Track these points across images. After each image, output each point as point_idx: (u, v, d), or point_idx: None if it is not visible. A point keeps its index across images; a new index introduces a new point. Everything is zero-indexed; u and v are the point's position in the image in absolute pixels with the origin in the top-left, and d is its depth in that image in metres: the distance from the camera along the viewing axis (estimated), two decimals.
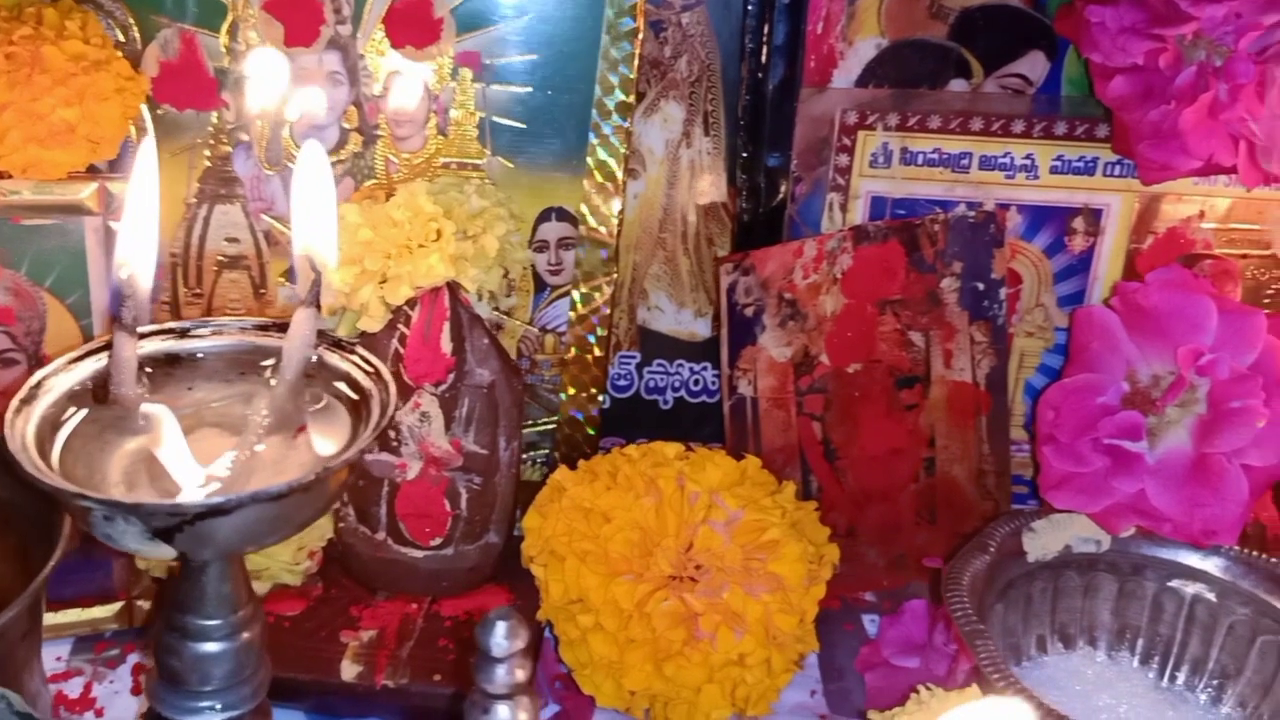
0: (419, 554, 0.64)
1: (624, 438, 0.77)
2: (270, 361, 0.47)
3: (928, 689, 0.54)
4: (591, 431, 0.76)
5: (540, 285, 0.72)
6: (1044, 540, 0.61)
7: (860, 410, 0.72)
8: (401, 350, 0.60)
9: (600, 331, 0.73)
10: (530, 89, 0.68)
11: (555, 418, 0.75)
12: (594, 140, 0.69)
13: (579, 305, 0.72)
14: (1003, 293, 0.69)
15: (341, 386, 0.46)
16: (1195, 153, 0.60)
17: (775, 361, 0.71)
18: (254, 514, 0.41)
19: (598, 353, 0.74)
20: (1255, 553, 0.59)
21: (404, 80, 0.66)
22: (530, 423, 0.74)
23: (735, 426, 0.73)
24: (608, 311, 0.72)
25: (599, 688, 0.60)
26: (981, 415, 0.72)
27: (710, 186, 0.73)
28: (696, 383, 0.78)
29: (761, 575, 0.61)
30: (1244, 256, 0.70)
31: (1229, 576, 0.59)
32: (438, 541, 0.63)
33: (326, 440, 0.45)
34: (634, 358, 0.78)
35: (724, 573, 0.60)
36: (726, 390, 0.72)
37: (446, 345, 0.60)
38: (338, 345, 0.47)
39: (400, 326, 0.60)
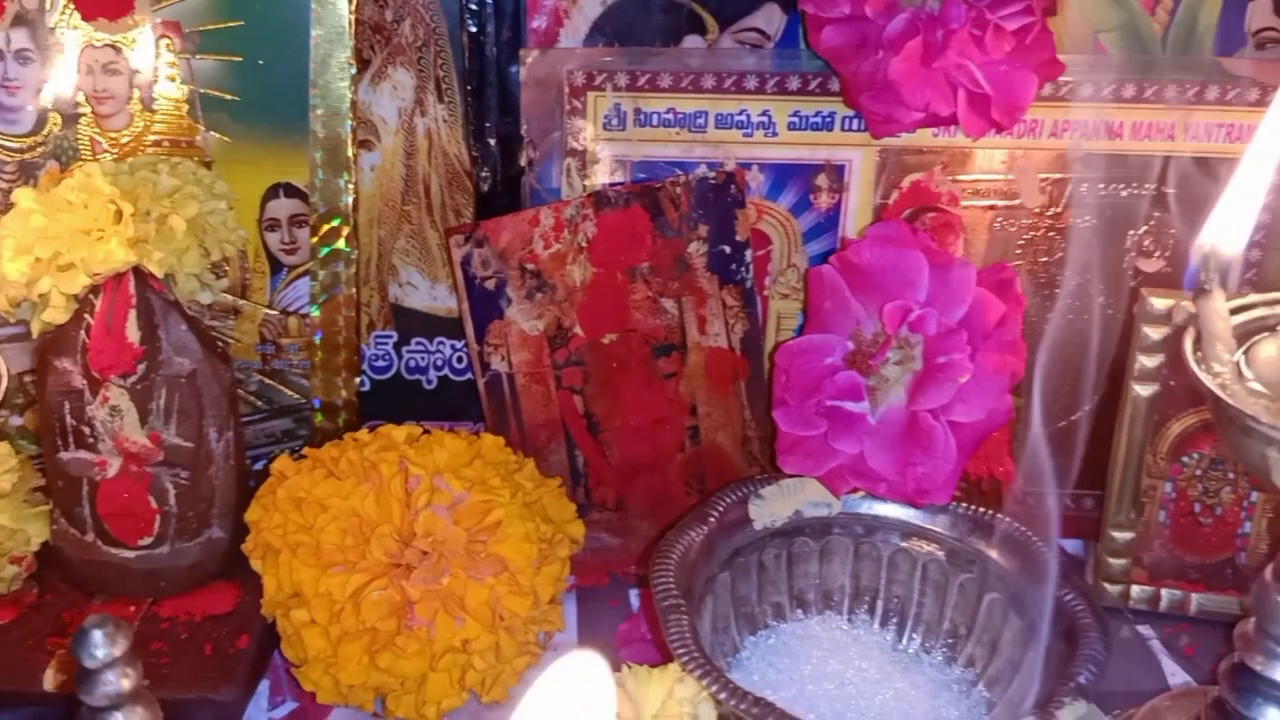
0: (130, 554, 0.61)
1: (390, 421, 0.74)
2: None
3: (629, 668, 0.52)
4: (348, 417, 0.73)
5: (276, 265, 0.69)
6: (773, 507, 0.59)
7: (619, 381, 0.70)
8: (88, 341, 0.57)
9: (346, 312, 0.70)
10: (240, 59, 0.64)
11: (306, 403, 0.72)
12: (317, 110, 0.65)
13: (319, 285, 0.69)
14: (749, 255, 0.68)
15: None
16: (911, 103, 0.58)
17: (527, 335, 0.69)
18: None
19: (346, 334, 0.71)
20: (980, 510, 0.58)
21: (99, 54, 0.62)
22: (273, 408, 0.71)
23: (493, 404, 0.70)
24: (351, 291, 0.70)
25: (317, 684, 0.58)
26: (740, 381, 0.70)
27: (449, 155, 0.70)
28: (460, 360, 0.76)
29: (486, 558, 0.58)
30: (991, 208, 0.69)
31: (956, 535, 0.58)
32: (148, 541, 0.60)
33: None
34: (390, 337, 0.75)
35: (445, 558, 0.58)
36: (478, 367, 0.70)
37: (133, 334, 0.56)
38: None
39: (86, 316, 0.57)
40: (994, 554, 0.57)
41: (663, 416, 0.71)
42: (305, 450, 0.62)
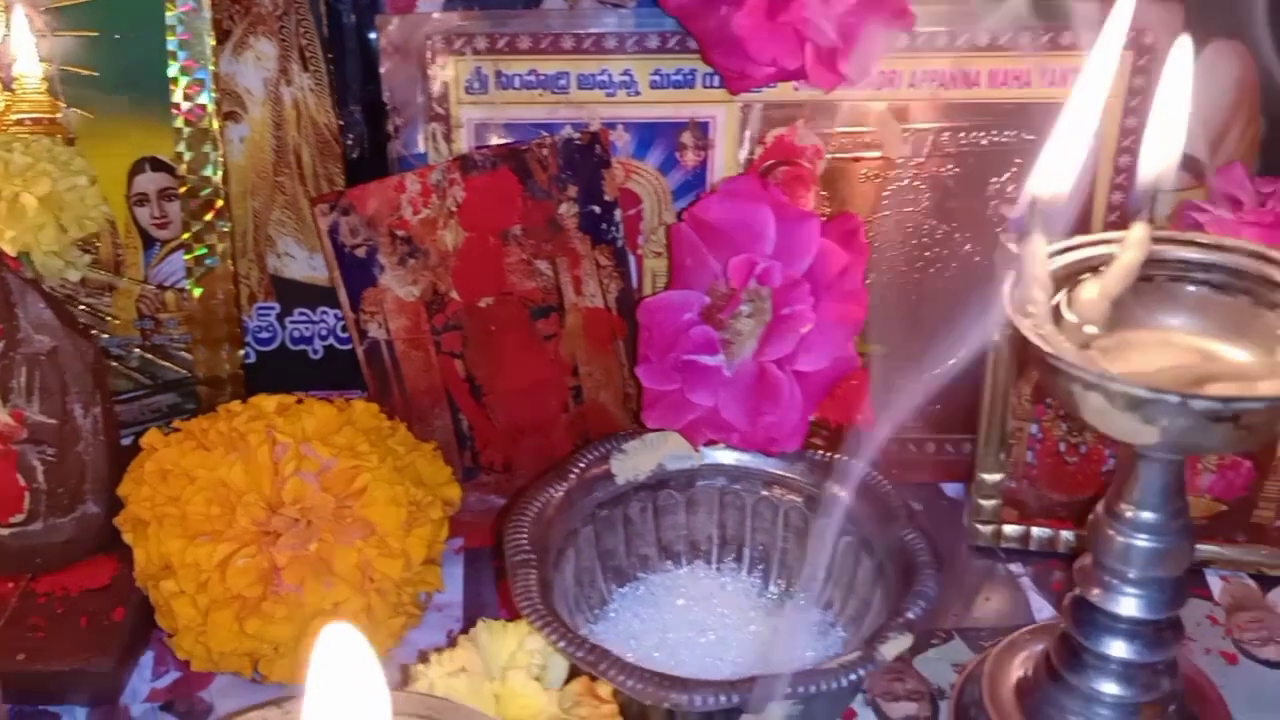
0: (4, 532, 0.61)
1: (279, 392, 0.75)
2: None
3: (483, 622, 0.53)
4: (234, 389, 0.74)
5: (149, 240, 0.69)
6: (635, 461, 0.60)
7: (499, 344, 0.71)
8: None
9: (224, 285, 0.71)
10: (98, 34, 0.64)
11: (190, 377, 0.73)
12: (177, 83, 0.65)
13: (193, 258, 0.69)
14: (618, 214, 0.68)
15: None
16: (759, 58, 0.59)
17: (404, 301, 0.70)
18: None
19: (225, 307, 0.71)
20: (834, 456, 0.59)
21: None
22: (157, 383, 0.72)
23: (374, 371, 0.71)
24: (227, 263, 0.70)
25: (190, 652, 0.59)
26: (619, 340, 0.71)
27: (319, 124, 0.70)
28: (344, 329, 0.76)
29: (353, 522, 0.59)
30: (856, 159, 0.70)
31: (813, 481, 0.60)
32: (20, 518, 0.60)
33: None
34: (273, 308, 0.75)
35: (314, 524, 0.59)
36: (356, 335, 0.70)
37: None
38: None
39: None
40: (846, 498, 0.58)
41: (544, 378, 0.72)
42: (176, 423, 0.63)
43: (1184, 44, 0.48)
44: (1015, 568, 0.70)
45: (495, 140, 0.68)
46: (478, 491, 0.74)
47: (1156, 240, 0.50)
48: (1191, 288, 0.51)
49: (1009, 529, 0.71)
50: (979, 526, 0.71)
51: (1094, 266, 0.51)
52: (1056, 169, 0.49)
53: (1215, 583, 0.69)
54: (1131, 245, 0.50)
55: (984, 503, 0.70)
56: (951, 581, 0.71)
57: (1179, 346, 0.49)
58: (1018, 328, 0.45)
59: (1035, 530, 0.70)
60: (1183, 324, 0.50)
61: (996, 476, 0.69)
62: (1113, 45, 0.48)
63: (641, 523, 0.61)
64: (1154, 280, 0.51)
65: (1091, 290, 0.50)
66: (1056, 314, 0.49)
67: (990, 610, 0.68)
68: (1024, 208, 0.49)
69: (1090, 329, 0.50)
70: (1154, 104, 0.49)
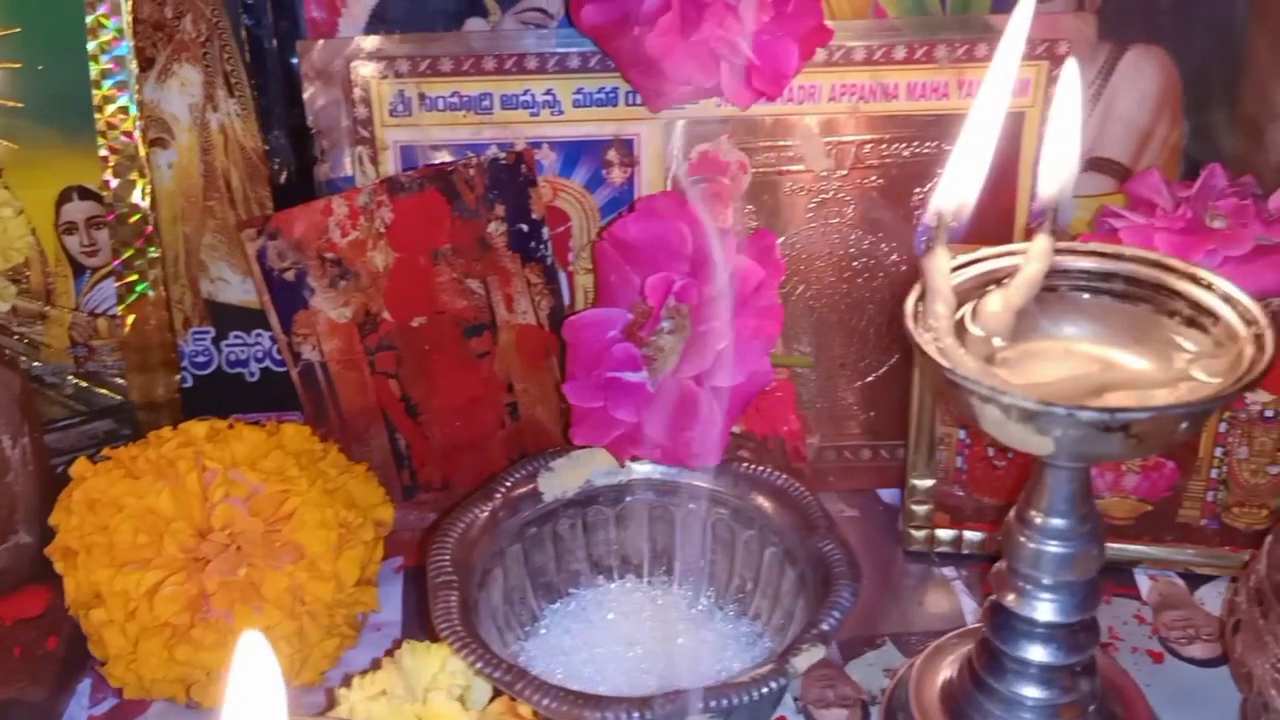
0: None
1: (217, 416, 0.75)
2: None
3: (407, 644, 0.54)
4: (172, 415, 0.74)
5: (79, 268, 0.70)
6: (563, 478, 0.61)
7: (433, 363, 0.72)
8: None
9: (156, 310, 0.71)
10: (20, 65, 0.64)
11: (126, 403, 0.73)
12: (106, 110, 0.66)
13: (124, 285, 0.70)
14: (546, 232, 0.69)
15: None
16: (674, 77, 0.60)
17: (336, 323, 0.70)
18: None
19: (159, 333, 0.72)
20: (758, 468, 0.60)
21: None
22: (92, 410, 0.72)
23: (309, 393, 0.71)
24: (160, 289, 0.70)
25: (122, 680, 0.59)
26: (552, 356, 0.72)
27: (247, 149, 0.70)
28: (280, 351, 0.77)
29: (282, 546, 0.60)
30: (780, 173, 0.70)
31: (738, 493, 0.60)
32: None
33: None
34: (208, 332, 0.75)
35: (243, 549, 0.59)
36: (290, 358, 0.70)
37: None
38: None
39: None
40: (770, 509, 0.59)
41: (480, 395, 0.72)
42: (105, 451, 0.63)
43: (1071, 65, 0.48)
44: (948, 571, 0.71)
45: (422, 161, 0.69)
46: (417, 510, 0.74)
47: (1059, 251, 0.51)
48: (1094, 297, 0.52)
49: (942, 533, 0.72)
50: (912, 531, 0.72)
51: (999, 279, 0.52)
52: (959, 182, 0.50)
53: (1144, 582, 0.70)
54: (1034, 257, 0.51)
55: (916, 508, 0.71)
56: (886, 587, 0.72)
57: (1081, 356, 0.50)
58: (911, 343, 0.46)
59: (968, 534, 0.71)
60: (1086, 333, 0.51)
61: (928, 482, 0.70)
62: (1010, 59, 0.49)
63: (572, 539, 0.62)
64: (1058, 290, 0.52)
65: (995, 302, 0.51)
66: (961, 327, 0.50)
67: (924, 615, 0.69)
68: (928, 222, 0.50)
69: (996, 341, 0.51)
70: (1049, 120, 0.49)
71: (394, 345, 0.71)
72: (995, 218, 0.71)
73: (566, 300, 0.73)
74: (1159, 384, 0.48)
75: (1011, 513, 0.53)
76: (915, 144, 0.70)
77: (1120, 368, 0.49)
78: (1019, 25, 0.49)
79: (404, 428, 0.73)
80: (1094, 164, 0.76)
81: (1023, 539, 0.52)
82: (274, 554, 0.60)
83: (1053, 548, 0.51)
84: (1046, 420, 0.43)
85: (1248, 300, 0.47)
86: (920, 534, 0.72)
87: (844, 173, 0.70)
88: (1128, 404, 0.44)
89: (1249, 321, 0.46)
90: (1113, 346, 0.50)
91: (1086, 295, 0.52)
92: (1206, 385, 0.45)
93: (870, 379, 0.75)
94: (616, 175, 0.70)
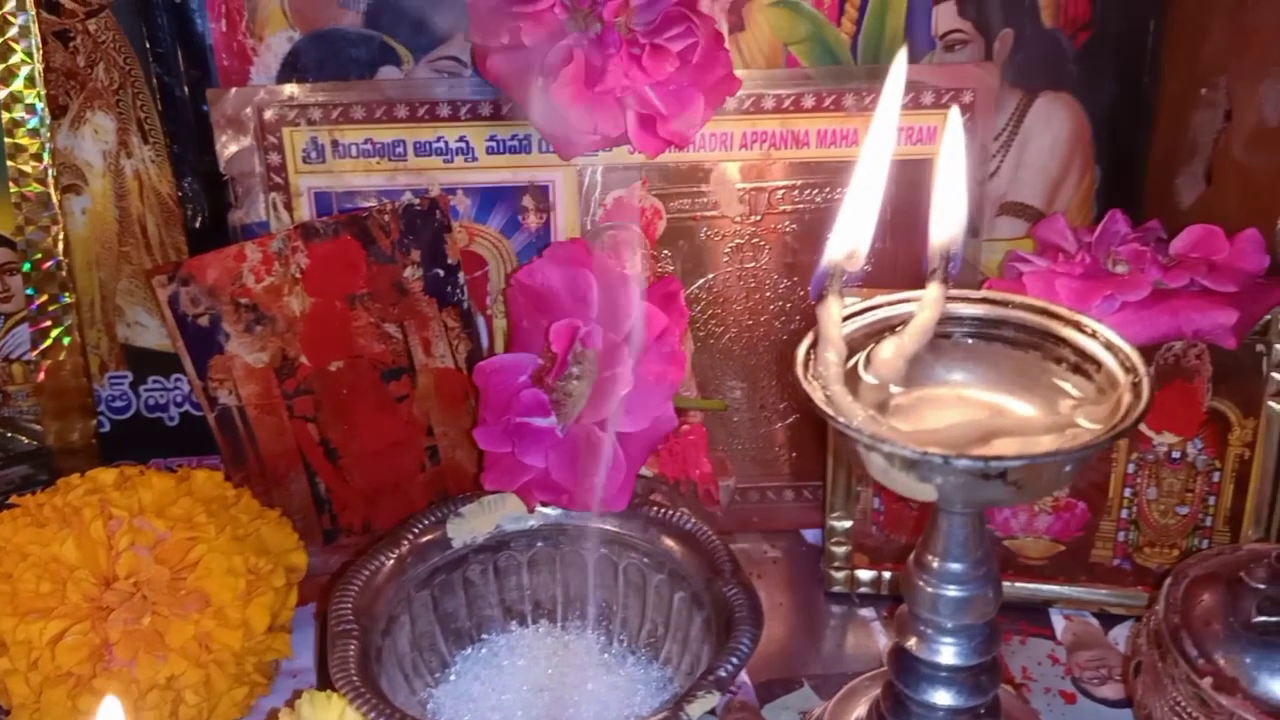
0: None
1: (137, 460, 0.74)
2: None
3: (307, 694, 0.53)
4: (88, 459, 0.73)
5: None
6: (473, 524, 0.61)
7: (352, 407, 0.72)
8: None
9: (71, 355, 0.70)
10: None
11: (42, 448, 0.72)
12: (18, 158, 0.66)
13: (38, 330, 0.69)
14: (462, 277, 0.69)
15: None
16: (580, 126, 0.61)
17: (252, 368, 0.70)
18: None
19: (74, 377, 0.71)
20: (667, 512, 0.60)
21: None
22: (9, 455, 0.71)
23: (227, 438, 0.71)
24: (75, 335, 0.70)
25: None
26: (471, 399, 0.72)
27: (162, 195, 0.70)
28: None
29: (189, 594, 0.59)
30: (695, 218, 0.71)
31: (648, 538, 0.60)
32: None
33: None
34: (126, 377, 0.75)
35: (149, 598, 0.59)
36: (206, 403, 0.70)
37: None
38: None
39: None
40: (679, 553, 0.59)
41: (399, 439, 0.72)
42: (14, 499, 0.62)
43: (955, 115, 0.49)
44: (868, 613, 0.72)
45: (337, 208, 0.69)
46: (338, 554, 0.74)
47: (951, 299, 0.52)
48: (986, 344, 0.52)
49: (862, 574, 0.72)
50: (833, 573, 0.72)
51: (894, 326, 0.53)
52: (850, 231, 0.51)
53: (1059, 622, 0.71)
54: (927, 304, 0.51)
55: (836, 549, 0.72)
56: (807, 629, 0.73)
57: (973, 402, 0.51)
58: (799, 392, 0.47)
59: (886, 574, 0.72)
60: (977, 379, 0.52)
61: (846, 523, 0.71)
62: (891, 109, 0.50)
63: (483, 584, 0.62)
64: (952, 337, 0.53)
65: (889, 349, 0.51)
66: (855, 375, 0.51)
67: (844, 656, 0.69)
68: (821, 271, 0.51)
69: (894, 388, 0.51)
70: (936, 171, 0.50)
71: (312, 389, 0.71)
72: (910, 264, 0.72)
73: (486, 344, 0.73)
74: (1045, 430, 0.48)
75: (910, 558, 0.54)
76: (828, 189, 0.71)
77: (1009, 414, 0.50)
78: (896, 77, 0.51)
79: (324, 472, 0.73)
80: (1008, 208, 0.77)
81: (921, 583, 0.52)
82: (180, 602, 0.59)
83: (951, 592, 0.52)
84: (927, 469, 0.44)
85: (1129, 348, 0.48)
86: (840, 574, 0.72)
87: (758, 218, 0.71)
88: (1007, 452, 0.45)
89: (1128, 369, 0.47)
90: (1003, 392, 0.51)
91: (980, 342, 0.52)
92: (1087, 432, 0.46)
93: (791, 420, 0.76)
94: (532, 220, 0.70)
